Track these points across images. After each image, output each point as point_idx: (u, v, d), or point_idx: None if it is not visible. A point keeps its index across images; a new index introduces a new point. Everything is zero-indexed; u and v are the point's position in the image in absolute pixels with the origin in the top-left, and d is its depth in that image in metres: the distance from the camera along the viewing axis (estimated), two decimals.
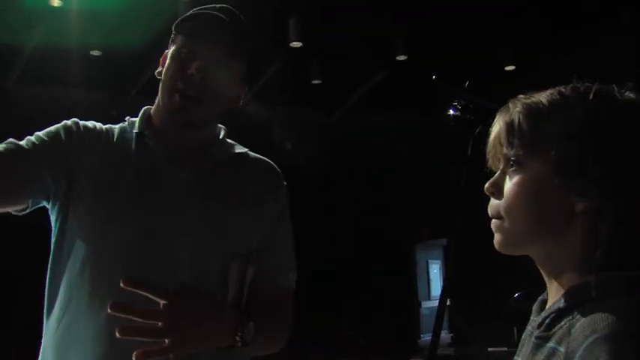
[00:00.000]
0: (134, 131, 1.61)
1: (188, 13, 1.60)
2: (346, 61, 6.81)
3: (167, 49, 1.62)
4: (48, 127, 1.61)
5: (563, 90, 0.95)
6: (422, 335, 9.79)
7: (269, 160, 1.72)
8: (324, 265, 7.89)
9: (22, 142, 1.53)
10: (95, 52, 6.05)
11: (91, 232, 1.50)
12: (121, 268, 1.46)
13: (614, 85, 0.94)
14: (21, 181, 1.50)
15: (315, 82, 7.00)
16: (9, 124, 6.86)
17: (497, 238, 0.99)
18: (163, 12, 5.57)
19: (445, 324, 9.65)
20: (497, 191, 0.98)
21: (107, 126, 1.65)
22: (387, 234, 8.46)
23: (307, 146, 7.72)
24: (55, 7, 5.21)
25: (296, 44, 5.91)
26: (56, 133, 1.57)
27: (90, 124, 1.63)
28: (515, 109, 0.97)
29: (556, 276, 0.95)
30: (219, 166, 1.61)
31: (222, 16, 1.57)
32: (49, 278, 1.56)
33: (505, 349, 4.49)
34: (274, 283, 1.64)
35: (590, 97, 0.92)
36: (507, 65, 6.55)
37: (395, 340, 7.91)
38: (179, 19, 1.59)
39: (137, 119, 1.63)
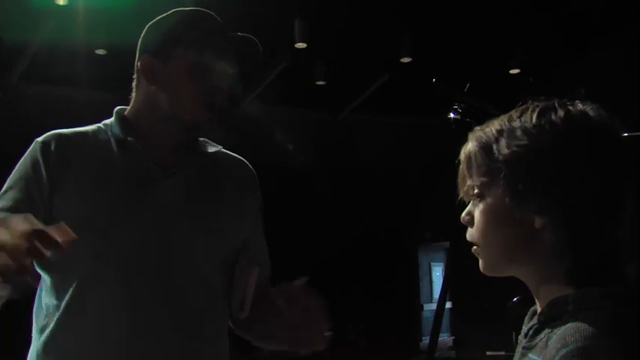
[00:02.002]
0: (114, 137, 1.57)
1: (194, 26, 1.57)
2: (351, 63, 6.82)
3: (147, 53, 1.58)
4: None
5: (513, 114, 1.01)
6: (424, 338, 9.79)
7: (241, 157, 1.74)
8: (325, 266, 7.89)
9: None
10: (100, 52, 6.07)
11: (90, 250, 1.46)
12: (126, 281, 1.46)
13: (555, 102, 1.00)
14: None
15: (320, 83, 7.01)
16: (14, 122, 6.89)
17: (480, 263, 1.04)
18: (169, 11, 5.58)
19: (447, 327, 9.66)
20: (471, 220, 1.04)
21: (80, 131, 1.59)
22: (389, 236, 8.47)
23: (311, 147, 7.72)
24: (61, 5, 5.22)
25: (301, 45, 5.91)
26: (25, 180, 1.49)
27: (61, 137, 1.55)
28: (472, 142, 1.03)
29: (538, 291, 1.00)
30: (203, 165, 1.62)
31: (226, 27, 1.58)
32: (43, 296, 1.52)
33: (503, 352, 4.49)
34: (264, 275, 1.68)
35: (534, 120, 0.98)
36: (512, 69, 6.55)
37: (397, 343, 7.91)
38: (183, 29, 1.57)
39: (114, 123, 1.59)
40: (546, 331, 0.94)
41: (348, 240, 8.06)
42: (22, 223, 1.12)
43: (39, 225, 1.13)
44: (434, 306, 10.57)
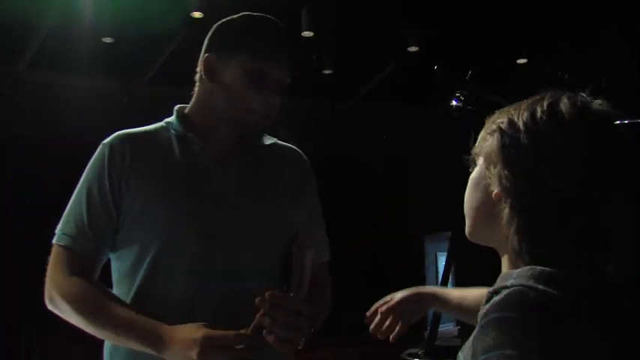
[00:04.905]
0: (175, 133, 1.69)
1: (258, 33, 1.67)
2: (358, 51, 6.80)
3: (210, 52, 1.67)
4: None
5: (509, 107, 1.08)
6: (428, 327, 9.80)
7: (296, 148, 1.87)
8: (330, 255, 7.86)
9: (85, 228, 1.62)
10: (107, 40, 6.07)
11: (156, 238, 1.60)
12: (188, 268, 1.60)
13: (547, 96, 1.05)
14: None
15: (326, 71, 6.99)
16: (21, 110, 6.89)
17: None
18: (176, 1, 5.59)
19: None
20: None
21: (143, 130, 1.72)
22: (395, 225, 8.46)
23: (316, 136, 7.72)
24: None
25: (308, 34, 5.90)
26: (97, 182, 1.64)
27: (124, 137, 1.68)
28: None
29: (503, 264, 1.07)
30: (259, 158, 1.74)
31: (285, 37, 1.70)
32: (115, 285, 1.69)
33: None
34: (319, 260, 1.80)
35: (522, 108, 1.04)
36: (519, 58, 6.52)
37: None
38: (247, 34, 1.65)
39: (174, 120, 1.72)
40: (489, 302, 0.99)
41: (351, 228, 8.06)
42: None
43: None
44: None
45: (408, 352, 2.89)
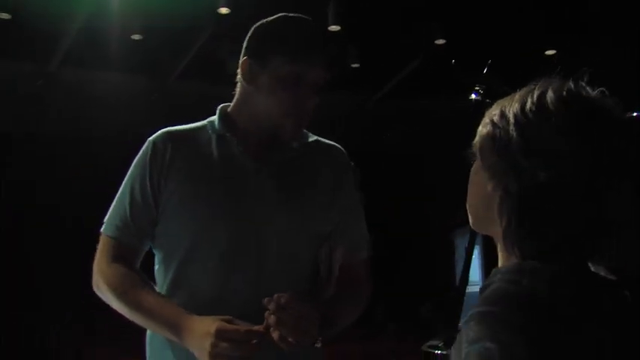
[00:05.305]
0: (215, 133, 1.72)
1: (294, 36, 1.67)
2: (385, 45, 6.78)
3: (247, 56, 1.68)
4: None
5: (504, 99, 1.07)
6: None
7: (338, 145, 1.87)
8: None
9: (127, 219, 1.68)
10: (136, 36, 6.13)
11: (191, 233, 1.66)
12: (221, 261, 1.64)
13: (537, 85, 1.02)
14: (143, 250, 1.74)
15: (354, 65, 6.99)
16: (53, 106, 6.98)
17: None
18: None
19: None
20: None
21: (187, 128, 1.76)
22: (425, 219, 8.44)
23: (344, 130, 7.72)
24: None
25: (334, 28, 5.90)
26: (140, 178, 1.69)
27: (168, 135, 1.72)
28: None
29: (500, 259, 1.06)
30: (296, 157, 1.76)
31: (322, 39, 1.73)
32: (155, 272, 1.74)
33: None
34: (356, 259, 1.82)
35: (515, 98, 1.03)
36: (548, 50, 6.46)
37: (430, 325, 7.90)
38: (283, 38, 1.66)
39: (216, 119, 1.75)
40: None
41: (381, 223, 8.05)
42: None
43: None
44: (469, 289, 10.53)
45: (428, 343, 2.92)
